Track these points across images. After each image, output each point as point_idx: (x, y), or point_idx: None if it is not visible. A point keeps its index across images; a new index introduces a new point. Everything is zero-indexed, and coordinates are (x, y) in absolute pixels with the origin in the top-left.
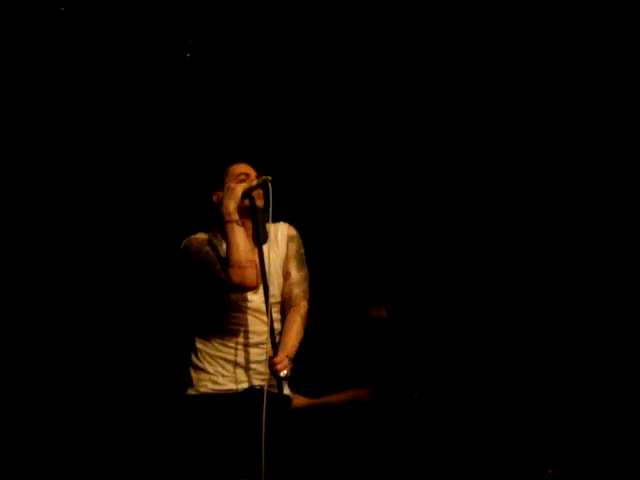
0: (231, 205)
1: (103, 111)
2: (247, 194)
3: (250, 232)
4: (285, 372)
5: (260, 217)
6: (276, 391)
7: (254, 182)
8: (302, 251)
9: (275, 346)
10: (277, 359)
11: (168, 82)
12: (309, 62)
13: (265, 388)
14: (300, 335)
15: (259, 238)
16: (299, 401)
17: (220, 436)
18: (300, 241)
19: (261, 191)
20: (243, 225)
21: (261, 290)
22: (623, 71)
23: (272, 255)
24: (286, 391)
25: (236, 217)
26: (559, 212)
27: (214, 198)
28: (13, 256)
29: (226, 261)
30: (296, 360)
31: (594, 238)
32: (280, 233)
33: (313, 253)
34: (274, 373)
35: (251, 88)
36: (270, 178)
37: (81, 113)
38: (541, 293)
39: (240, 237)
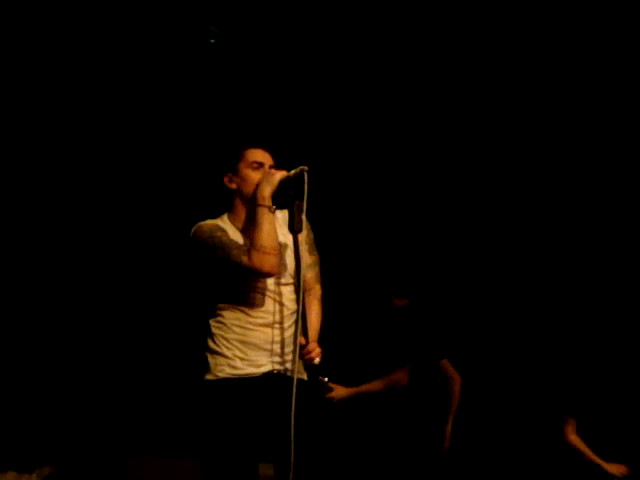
0: (267, 190)
1: (119, 94)
2: (284, 183)
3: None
4: (318, 359)
5: (296, 206)
6: (300, 376)
7: (291, 172)
8: (312, 236)
9: (305, 332)
10: (309, 347)
11: (189, 66)
12: (328, 53)
13: (295, 376)
14: (321, 318)
15: (294, 227)
16: (340, 392)
17: (240, 421)
18: (309, 226)
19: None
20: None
21: None
22: (623, 71)
23: (284, 238)
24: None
25: (269, 203)
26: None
27: (225, 180)
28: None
29: (245, 244)
30: (331, 350)
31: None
32: (285, 216)
33: (338, 245)
34: (306, 362)
35: (271, 76)
36: (307, 168)
37: (98, 98)
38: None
39: (270, 223)
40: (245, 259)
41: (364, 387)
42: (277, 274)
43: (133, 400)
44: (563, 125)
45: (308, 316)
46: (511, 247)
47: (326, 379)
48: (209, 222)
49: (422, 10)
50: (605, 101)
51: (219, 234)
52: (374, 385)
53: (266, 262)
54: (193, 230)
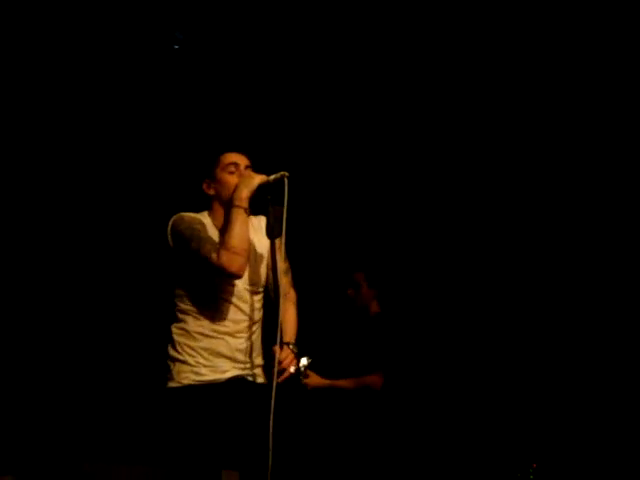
0: (244, 192)
1: (90, 101)
2: (263, 187)
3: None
4: (293, 368)
5: (273, 211)
6: (261, 381)
7: (271, 177)
8: (284, 241)
9: (281, 341)
10: (282, 356)
11: (157, 73)
12: (301, 52)
13: (274, 382)
14: (297, 321)
15: (272, 232)
16: (314, 380)
17: (205, 428)
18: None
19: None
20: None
21: (244, 277)
22: (623, 71)
23: (259, 244)
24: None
25: (246, 205)
26: (549, 209)
27: (204, 186)
28: None
29: (218, 242)
30: (311, 347)
31: (593, 238)
32: (262, 223)
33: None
34: (282, 371)
35: (242, 79)
36: (287, 174)
37: (67, 103)
38: (533, 287)
39: (243, 225)
40: (215, 256)
41: (339, 382)
42: (252, 281)
43: (96, 408)
44: (549, 125)
45: (284, 319)
46: (494, 254)
47: (310, 361)
48: (191, 214)
49: (395, 12)
50: (605, 101)
51: (198, 227)
52: (349, 382)
53: (234, 262)
54: (173, 219)
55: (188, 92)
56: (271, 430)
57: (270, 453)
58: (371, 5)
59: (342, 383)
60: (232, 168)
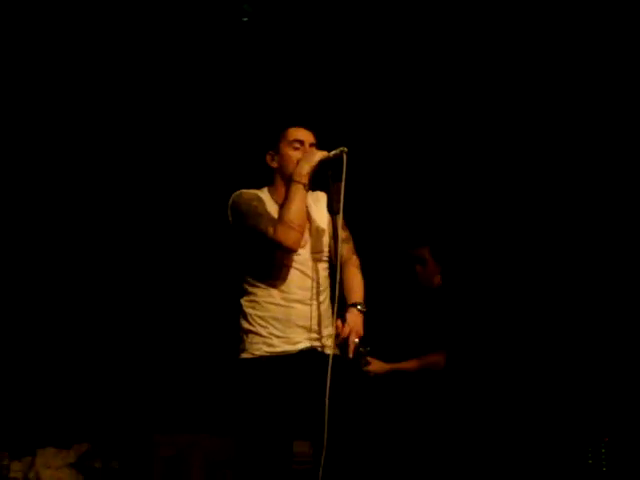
0: (305, 168)
1: (158, 69)
2: (323, 163)
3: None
4: (357, 340)
5: (335, 188)
6: (330, 352)
7: (331, 153)
8: (341, 214)
9: (342, 314)
10: (345, 330)
11: (225, 44)
12: (362, 28)
13: (331, 352)
14: (363, 284)
15: (333, 208)
16: (377, 366)
17: (278, 398)
18: None
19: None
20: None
21: (308, 245)
22: (623, 71)
23: (320, 215)
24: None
25: (305, 180)
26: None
27: (267, 157)
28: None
29: (276, 217)
30: (370, 328)
31: None
32: (322, 196)
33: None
34: (345, 346)
35: (305, 53)
36: (346, 150)
37: (132, 74)
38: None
39: (301, 200)
40: (271, 230)
41: (401, 365)
42: (315, 249)
43: (169, 379)
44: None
45: (350, 283)
46: (568, 228)
47: (368, 349)
48: (250, 191)
49: None
50: (605, 101)
51: (255, 204)
52: (411, 364)
53: (290, 237)
54: (233, 196)
55: (254, 64)
56: (327, 398)
57: (326, 422)
58: None
59: (404, 366)
60: (297, 144)
